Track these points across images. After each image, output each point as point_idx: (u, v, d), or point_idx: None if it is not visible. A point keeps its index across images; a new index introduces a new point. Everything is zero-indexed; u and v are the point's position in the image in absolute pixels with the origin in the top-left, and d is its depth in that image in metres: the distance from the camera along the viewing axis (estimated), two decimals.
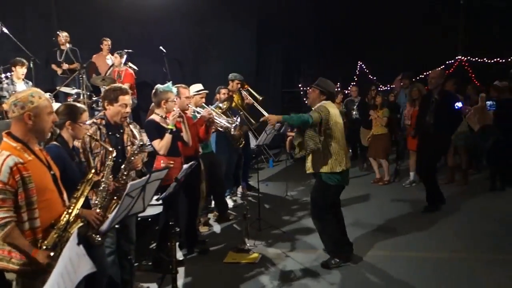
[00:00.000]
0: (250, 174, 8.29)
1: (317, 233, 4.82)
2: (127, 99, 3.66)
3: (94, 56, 8.93)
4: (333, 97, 4.83)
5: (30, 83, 7.14)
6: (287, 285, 4.30)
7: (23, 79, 7.03)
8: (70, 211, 2.68)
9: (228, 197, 7.03)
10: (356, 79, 13.17)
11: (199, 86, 5.73)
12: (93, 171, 2.94)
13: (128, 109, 3.66)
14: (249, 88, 7.57)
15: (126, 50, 8.45)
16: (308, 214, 6.30)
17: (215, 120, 5.52)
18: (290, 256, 4.95)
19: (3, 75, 7.08)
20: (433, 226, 5.80)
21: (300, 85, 12.62)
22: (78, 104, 3.37)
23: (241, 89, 7.34)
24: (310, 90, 4.82)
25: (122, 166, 3.46)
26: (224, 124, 5.73)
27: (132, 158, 3.52)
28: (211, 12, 10.44)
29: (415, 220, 6.08)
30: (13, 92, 6.79)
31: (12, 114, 2.61)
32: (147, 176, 2.70)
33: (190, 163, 3.85)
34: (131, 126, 3.71)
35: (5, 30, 7.29)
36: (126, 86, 7.73)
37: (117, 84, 3.87)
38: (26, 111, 2.55)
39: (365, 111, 8.80)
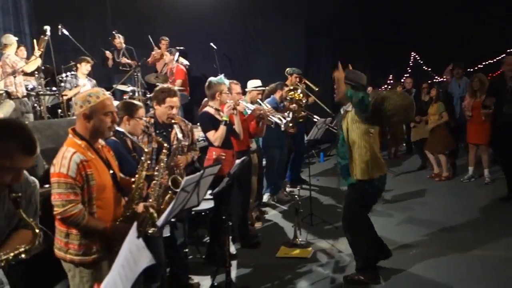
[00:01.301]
0: (301, 169, 8.24)
1: None
2: (175, 100, 3.75)
3: (153, 53, 9.19)
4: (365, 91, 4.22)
5: (94, 81, 7.47)
6: (339, 281, 4.24)
7: (86, 76, 7.37)
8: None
9: (280, 192, 7.03)
10: (409, 70, 12.75)
11: (257, 82, 5.75)
12: (148, 156, 2.99)
13: (175, 111, 3.75)
14: (306, 81, 7.56)
15: (177, 48, 8.64)
16: None
17: (266, 116, 5.51)
18: (343, 252, 4.88)
19: (63, 74, 7.47)
20: (497, 223, 5.54)
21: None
22: (135, 101, 3.48)
23: (299, 83, 7.32)
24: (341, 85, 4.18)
25: (165, 161, 3.53)
26: (275, 121, 5.71)
27: (175, 156, 3.58)
28: (260, 7, 10.45)
29: (478, 218, 5.82)
30: (75, 85, 7.15)
31: (75, 111, 2.74)
32: (202, 171, 2.74)
33: (242, 158, 3.88)
34: (176, 126, 3.76)
35: (65, 32, 7.63)
36: (178, 82, 8.08)
37: (166, 85, 3.96)
38: (83, 110, 2.64)
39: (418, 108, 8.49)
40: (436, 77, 11.85)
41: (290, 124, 5.84)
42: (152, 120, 3.78)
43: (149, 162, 2.97)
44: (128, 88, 7.70)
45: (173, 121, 3.74)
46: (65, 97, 6.87)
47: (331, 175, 8.37)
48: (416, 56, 13.04)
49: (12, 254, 1.82)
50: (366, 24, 12.22)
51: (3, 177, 1.80)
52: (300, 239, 5.14)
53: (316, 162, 9.78)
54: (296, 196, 5.39)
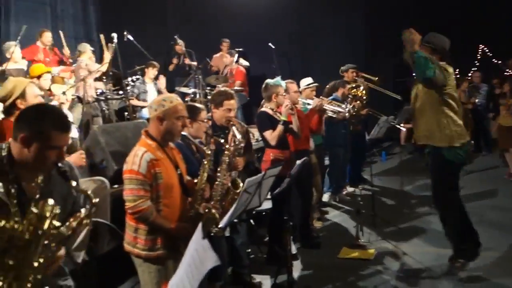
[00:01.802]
0: (362, 168, 8.09)
1: (436, 231, 4.55)
2: (232, 103, 3.81)
3: (214, 56, 9.44)
4: (448, 57, 4.07)
5: (159, 85, 7.74)
6: (404, 285, 4.12)
7: (153, 80, 7.66)
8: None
9: (341, 192, 6.94)
10: (477, 64, 12.09)
11: (309, 80, 5.74)
12: (209, 158, 3.07)
13: (232, 113, 3.81)
14: (363, 74, 7.43)
15: (236, 49, 8.77)
16: (426, 210, 6.03)
17: (326, 107, 5.47)
18: (408, 254, 4.73)
19: (129, 78, 7.82)
20: None
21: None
22: (198, 104, 3.58)
23: (356, 77, 7.21)
24: (420, 48, 3.92)
25: (226, 161, 3.58)
26: (335, 109, 5.65)
27: (234, 158, 3.63)
28: (318, 5, 10.35)
29: None
30: (143, 90, 7.45)
31: (149, 114, 2.90)
32: (263, 173, 2.77)
33: (303, 159, 3.87)
34: (234, 127, 3.80)
35: (130, 38, 7.95)
36: (237, 83, 8.19)
37: (224, 88, 4.04)
38: (157, 113, 2.79)
39: (494, 101, 8.06)
40: (508, 70, 11.16)
41: (352, 117, 5.73)
42: (210, 123, 3.86)
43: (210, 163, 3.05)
44: (189, 90, 7.92)
45: (230, 123, 3.80)
46: (132, 102, 7.22)
47: (394, 174, 8.12)
48: (485, 48, 12.34)
49: (75, 222, 1.94)
50: (428, 16, 11.70)
51: (49, 156, 1.96)
52: (362, 240, 5.04)
53: (378, 161, 9.56)
54: (357, 197, 5.29)
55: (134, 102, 7.35)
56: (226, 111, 3.82)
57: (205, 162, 3.00)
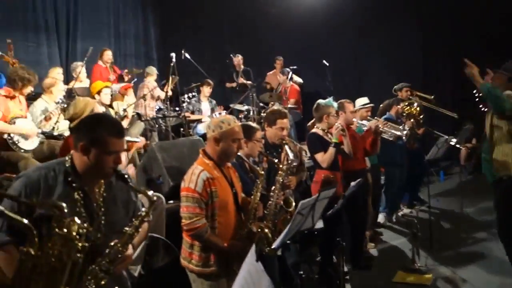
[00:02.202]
0: (420, 188, 7.81)
1: (499, 258, 4.32)
2: (285, 122, 3.84)
3: (268, 74, 9.58)
4: None
5: (214, 101, 7.98)
6: None
7: (208, 98, 7.87)
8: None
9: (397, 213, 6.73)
10: None
11: (364, 100, 5.64)
12: (262, 178, 3.09)
13: (285, 132, 3.83)
14: (418, 93, 7.25)
15: (291, 67, 8.82)
16: (488, 235, 5.73)
17: (383, 130, 5.36)
18: (467, 281, 4.51)
19: (185, 95, 8.08)
20: None
21: (475, 91, 11.41)
22: (253, 124, 3.63)
23: (411, 96, 7.04)
24: (494, 76, 4.13)
25: (280, 181, 3.58)
26: (393, 133, 5.52)
27: (287, 177, 3.63)
28: (373, 22, 10.22)
29: None
30: (198, 109, 7.67)
31: (207, 134, 3.00)
32: (317, 194, 2.76)
33: (358, 180, 3.80)
34: (286, 146, 3.81)
35: (187, 56, 8.22)
36: (291, 101, 8.23)
37: (277, 107, 4.07)
38: (215, 134, 2.87)
39: None
40: None
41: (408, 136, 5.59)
42: (263, 141, 3.89)
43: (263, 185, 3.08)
44: (244, 107, 8.04)
45: (283, 142, 3.81)
46: (188, 118, 7.46)
47: (453, 195, 7.78)
48: None
49: (137, 221, 2.03)
50: (488, 29, 11.15)
51: (108, 162, 2.07)
52: (418, 264, 4.86)
53: (436, 181, 9.19)
54: (414, 218, 5.12)
55: (190, 116, 7.59)
56: (279, 129, 3.85)
57: (259, 182, 3.04)
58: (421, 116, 6.60)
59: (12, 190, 1.98)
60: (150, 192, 2.06)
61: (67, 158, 2.12)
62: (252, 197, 3.00)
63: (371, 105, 5.66)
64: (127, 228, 2.01)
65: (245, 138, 3.47)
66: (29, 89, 4.73)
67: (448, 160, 10.05)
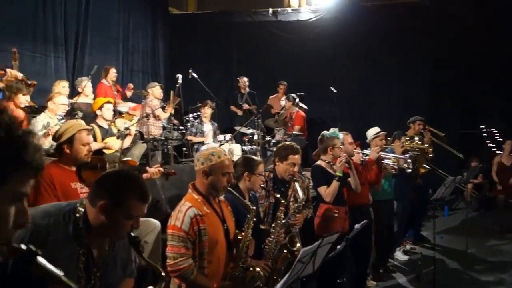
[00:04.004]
0: (423, 223, 7.64)
1: None
2: (297, 158, 3.75)
3: (270, 97, 9.52)
4: None
5: (216, 124, 7.85)
6: None
7: (210, 119, 7.77)
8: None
9: (399, 250, 6.53)
10: None
11: (376, 129, 5.52)
12: (253, 213, 2.95)
13: (296, 168, 3.74)
14: (431, 128, 7.15)
15: (297, 94, 8.76)
16: (494, 278, 5.53)
17: (385, 160, 5.21)
18: None
19: (190, 115, 8.00)
20: None
21: (482, 126, 11.28)
22: (255, 157, 3.53)
23: (423, 130, 6.92)
24: None
25: (283, 221, 3.45)
26: (397, 157, 5.36)
27: (294, 215, 3.52)
28: (384, 51, 10.16)
29: None
30: (200, 131, 7.57)
31: (195, 167, 2.84)
32: (319, 241, 2.62)
33: (362, 222, 3.65)
34: (297, 183, 3.69)
35: (194, 75, 8.17)
36: (296, 128, 8.13)
37: (290, 143, 3.97)
38: (204, 167, 2.74)
39: None
40: None
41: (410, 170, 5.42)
42: (272, 175, 3.78)
43: (255, 220, 2.94)
44: (248, 131, 7.94)
45: (294, 179, 3.69)
46: (188, 137, 7.38)
47: (458, 233, 7.57)
48: None
49: None
50: (499, 62, 11.03)
51: (126, 225, 1.92)
52: None
53: (440, 216, 8.99)
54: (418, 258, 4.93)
55: (193, 139, 7.49)
56: (290, 165, 3.76)
57: (250, 217, 2.89)
58: (429, 152, 6.44)
59: (15, 237, 1.80)
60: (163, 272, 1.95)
61: (79, 206, 1.94)
62: (243, 234, 2.86)
63: (384, 132, 5.54)
64: None
65: (247, 171, 3.39)
66: (22, 99, 4.60)
67: (453, 194, 9.88)
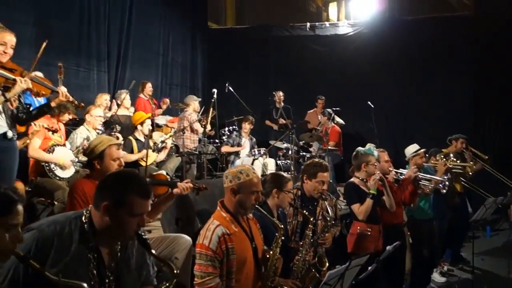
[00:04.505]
0: (463, 243, 7.34)
1: None
2: (326, 176, 3.70)
3: (308, 112, 9.52)
4: None
5: (254, 139, 7.90)
6: None
7: (248, 134, 7.84)
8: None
9: (436, 271, 6.31)
10: None
11: (415, 147, 5.40)
12: (282, 232, 2.94)
13: (325, 186, 3.68)
14: (472, 149, 6.91)
15: (333, 109, 8.68)
16: None
17: (422, 180, 5.07)
18: None
19: (226, 128, 8.08)
20: None
21: None
22: (284, 174, 3.52)
23: (464, 149, 6.70)
24: None
25: (311, 240, 3.41)
26: (433, 178, 5.20)
27: (322, 234, 3.48)
28: (422, 65, 9.95)
29: None
30: (237, 143, 7.61)
31: (224, 184, 2.85)
32: (347, 263, 2.57)
33: (394, 244, 3.56)
34: (326, 201, 3.65)
35: (231, 89, 8.27)
36: (331, 144, 8.05)
37: (318, 160, 3.93)
38: (232, 185, 2.75)
39: None
40: None
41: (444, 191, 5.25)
42: (299, 192, 3.76)
43: (283, 238, 2.91)
44: (282, 145, 7.94)
45: (323, 197, 3.66)
46: (223, 149, 7.48)
47: (500, 256, 7.22)
48: None
49: None
50: None
51: (131, 224, 1.96)
52: None
53: (481, 237, 8.62)
54: (455, 284, 4.75)
55: (229, 149, 7.54)
56: (319, 183, 3.72)
57: (278, 236, 2.87)
58: (470, 170, 6.22)
59: (23, 244, 1.87)
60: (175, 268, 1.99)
61: (85, 212, 2.02)
62: (271, 253, 2.83)
63: (423, 150, 5.41)
64: None
65: (276, 188, 3.38)
66: (66, 117, 4.80)
67: (496, 214, 9.47)
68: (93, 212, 2.00)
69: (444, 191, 5.11)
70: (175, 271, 1.95)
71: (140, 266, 2.15)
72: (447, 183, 5.08)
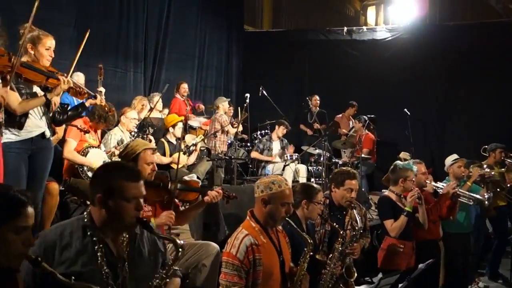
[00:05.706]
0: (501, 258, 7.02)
1: None
2: (354, 183, 3.59)
3: (337, 116, 9.38)
4: None
5: (286, 141, 7.79)
6: None
7: (280, 138, 7.71)
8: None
9: (471, 287, 6.05)
10: None
11: (454, 157, 5.22)
12: (311, 247, 2.85)
13: (354, 194, 3.57)
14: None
15: (368, 116, 8.50)
16: None
17: (461, 194, 4.86)
18: None
19: (258, 132, 8.05)
20: None
21: None
22: (314, 185, 3.44)
23: (505, 159, 6.42)
24: None
25: (339, 250, 3.32)
26: (473, 197, 4.99)
27: (351, 243, 3.37)
28: (462, 72, 9.61)
29: None
30: (268, 148, 7.53)
31: (255, 194, 2.81)
32: (376, 282, 2.48)
33: (427, 261, 3.42)
34: (354, 210, 3.55)
35: (265, 93, 8.22)
36: (364, 151, 7.87)
37: (346, 168, 3.84)
38: (263, 195, 2.69)
39: None
40: None
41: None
42: (327, 201, 3.66)
43: (311, 254, 2.83)
44: (315, 151, 7.82)
45: (352, 205, 3.56)
46: (252, 155, 7.44)
47: None
48: None
49: (163, 271, 2.03)
50: None
51: (128, 210, 1.98)
52: None
53: None
54: None
55: (258, 156, 7.46)
56: (347, 191, 3.61)
57: (307, 251, 2.78)
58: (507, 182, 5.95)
59: (31, 250, 1.90)
60: (179, 241, 2.02)
61: (85, 214, 2.06)
62: (299, 267, 2.76)
63: (463, 159, 5.21)
64: (154, 280, 1.97)
65: (305, 199, 3.31)
66: (101, 127, 4.87)
67: None
68: (92, 209, 2.04)
69: (486, 203, 4.93)
70: (178, 242, 1.99)
71: (154, 254, 2.17)
72: (487, 197, 4.88)
